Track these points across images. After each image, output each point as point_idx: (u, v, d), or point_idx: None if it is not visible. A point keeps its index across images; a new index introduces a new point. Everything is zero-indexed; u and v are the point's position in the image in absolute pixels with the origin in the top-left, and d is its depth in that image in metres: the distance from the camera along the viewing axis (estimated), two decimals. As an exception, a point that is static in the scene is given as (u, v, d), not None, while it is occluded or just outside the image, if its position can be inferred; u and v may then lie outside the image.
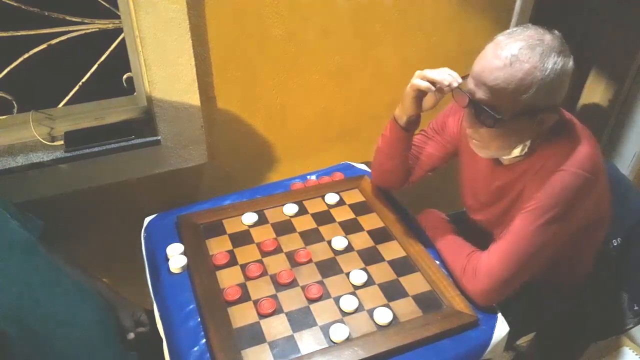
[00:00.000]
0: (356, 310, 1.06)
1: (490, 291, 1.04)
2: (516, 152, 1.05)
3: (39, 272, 0.94)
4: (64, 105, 1.48)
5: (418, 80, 1.06)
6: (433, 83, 1.04)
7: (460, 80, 1.02)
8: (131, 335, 1.09)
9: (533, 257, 1.02)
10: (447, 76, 1.02)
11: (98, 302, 1.06)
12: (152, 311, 1.12)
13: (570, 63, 0.94)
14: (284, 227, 1.28)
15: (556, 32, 0.95)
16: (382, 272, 1.15)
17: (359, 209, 1.34)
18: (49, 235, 1.12)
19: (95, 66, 1.48)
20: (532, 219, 1.00)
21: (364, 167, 1.53)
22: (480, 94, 0.95)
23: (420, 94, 1.09)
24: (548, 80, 0.91)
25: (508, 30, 0.97)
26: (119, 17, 1.37)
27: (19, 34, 1.37)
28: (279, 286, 1.11)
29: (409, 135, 1.20)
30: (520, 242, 1.01)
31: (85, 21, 1.43)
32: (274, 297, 1.08)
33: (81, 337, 0.96)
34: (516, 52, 0.91)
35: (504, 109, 0.94)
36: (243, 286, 1.11)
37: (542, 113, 0.96)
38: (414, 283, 1.13)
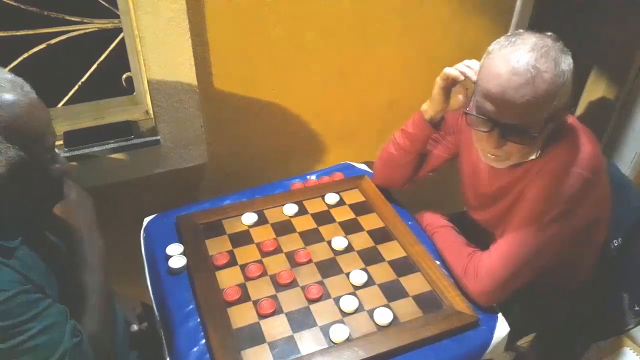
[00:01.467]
0: (356, 311, 1.06)
1: (492, 291, 1.04)
2: (533, 156, 1.04)
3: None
4: (63, 105, 1.48)
5: (449, 69, 1.08)
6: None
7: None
8: (134, 328, 1.09)
9: (534, 258, 1.01)
10: (469, 70, 1.06)
11: None
12: (151, 306, 1.12)
13: (571, 59, 0.94)
14: (284, 227, 1.27)
15: (550, 33, 0.95)
16: (382, 272, 1.15)
17: (359, 209, 1.34)
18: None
19: (95, 66, 1.48)
20: (533, 220, 1.00)
21: (364, 167, 1.53)
22: (508, 115, 0.92)
23: (449, 85, 1.10)
24: (567, 83, 0.92)
25: (503, 41, 0.94)
26: (118, 16, 1.37)
27: (18, 33, 1.37)
28: (279, 286, 1.11)
29: (433, 132, 1.21)
30: (521, 243, 1.01)
31: (85, 21, 1.43)
32: (274, 297, 1.08)
33: None
34: (533, 62, 0.88)
35: (534, 123, 0.92)
36: (243, 286, 1.10)
37: (562, 113, 0.96)
38: (414, 283, 1.13)
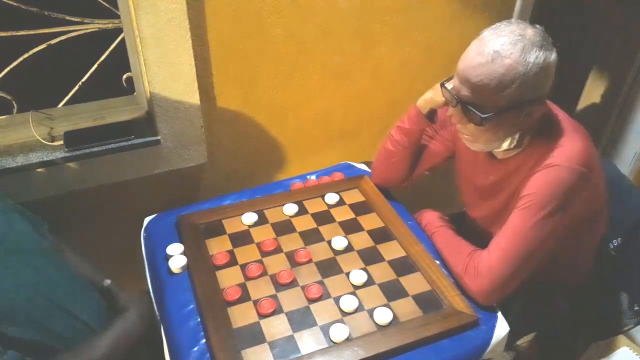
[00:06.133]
0: (356, 310, 1.06)
1: (493, 290, 1.04)
2: (505, 145, 1.06)
3: (48, 271, 0.95)
4: (63, 105, 1.48)
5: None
6: None
7: None
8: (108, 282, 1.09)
9: (532, 253, 1.02)
10: None
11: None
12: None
13: (553, 55, 0.95)
14: (284, 227, 1.28)
15: (538, 26, 0.97)
16: (382, 272, 1.15)
17: (359, 208, 1.34)
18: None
19: (95, 66, 1.48)
20: (529, 216, 1.00)
21: (364, 167, 1.53)
22: (465, 92, 0.97)
23: None
24: (531, 74, 0.92)
25: (493, 26, 0.98)
26: (118, 17, 1.37)
27: (19, 34, 1.37)
28: (279, 286, 1.11)
29: (428, 124, 1.23)
30: (518, 239, 1.02)
31: (85, 21, 1.43)
32: (274, 297, 1.08)
33: (87, 332, 0.96)
34: (498, 48, 0.93)
35: (488, 105, 0.96)
36: (243, 286, 1.11)
37: (529, 106, 0.97)
38: (414, 283, 1.13)
